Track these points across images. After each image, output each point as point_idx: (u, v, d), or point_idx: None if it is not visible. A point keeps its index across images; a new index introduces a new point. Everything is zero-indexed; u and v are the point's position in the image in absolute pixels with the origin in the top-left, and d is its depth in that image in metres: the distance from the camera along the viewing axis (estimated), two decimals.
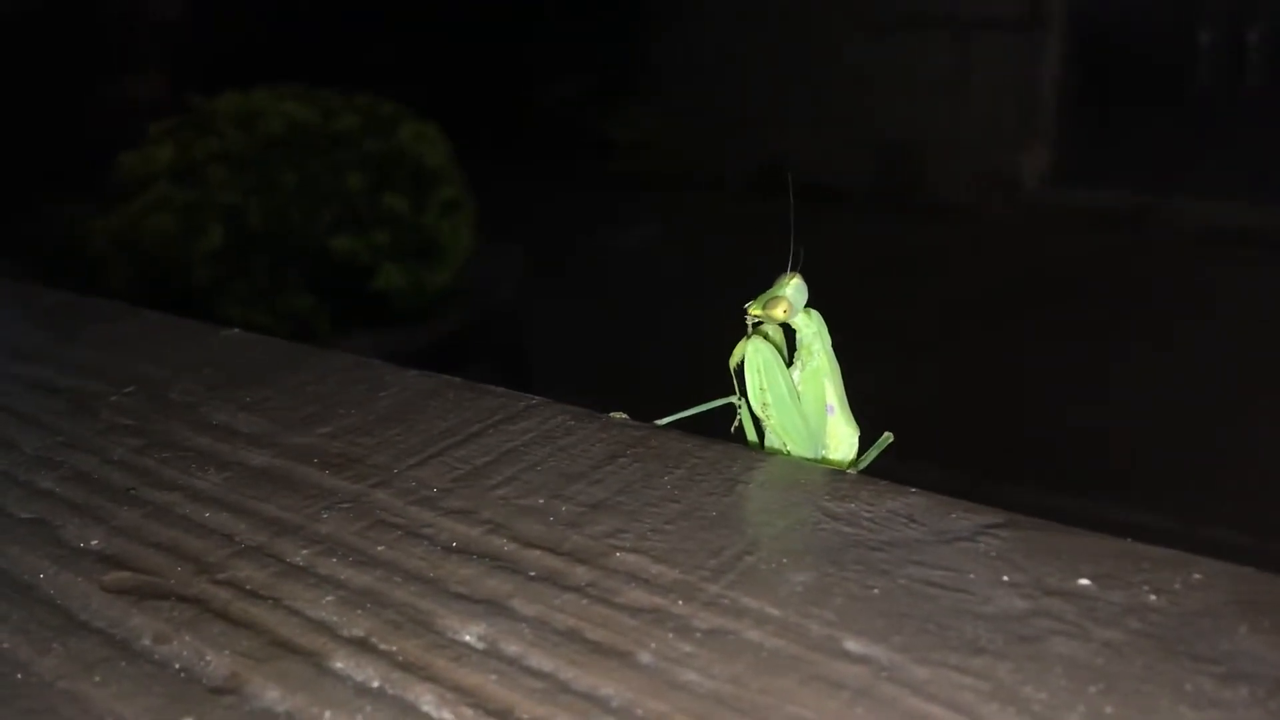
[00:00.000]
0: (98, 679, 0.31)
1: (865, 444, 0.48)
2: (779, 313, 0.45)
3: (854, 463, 0.48)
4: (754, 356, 0.45)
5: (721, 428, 0.47)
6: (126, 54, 4.47)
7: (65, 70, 3.90)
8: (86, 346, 0.57)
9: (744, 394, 0.46)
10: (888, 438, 0.49)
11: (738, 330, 0.46)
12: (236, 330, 0.57)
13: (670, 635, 0.31)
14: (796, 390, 0.46)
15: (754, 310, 0.45)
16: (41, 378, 0.53)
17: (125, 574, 0.36)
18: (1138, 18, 4.88)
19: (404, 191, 2.54)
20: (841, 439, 0.47)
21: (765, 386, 0.45)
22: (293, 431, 0.45)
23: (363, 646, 0.32)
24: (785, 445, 0.46)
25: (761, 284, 0.47)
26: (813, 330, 0.47)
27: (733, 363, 0.46)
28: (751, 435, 0.48)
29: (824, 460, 0.47)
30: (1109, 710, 0.27)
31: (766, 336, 0.46)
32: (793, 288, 0.45)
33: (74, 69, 3.95)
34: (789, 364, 0.47)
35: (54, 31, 4.04)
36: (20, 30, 3.96)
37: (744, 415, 0.48)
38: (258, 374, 0.51)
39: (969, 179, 4.32)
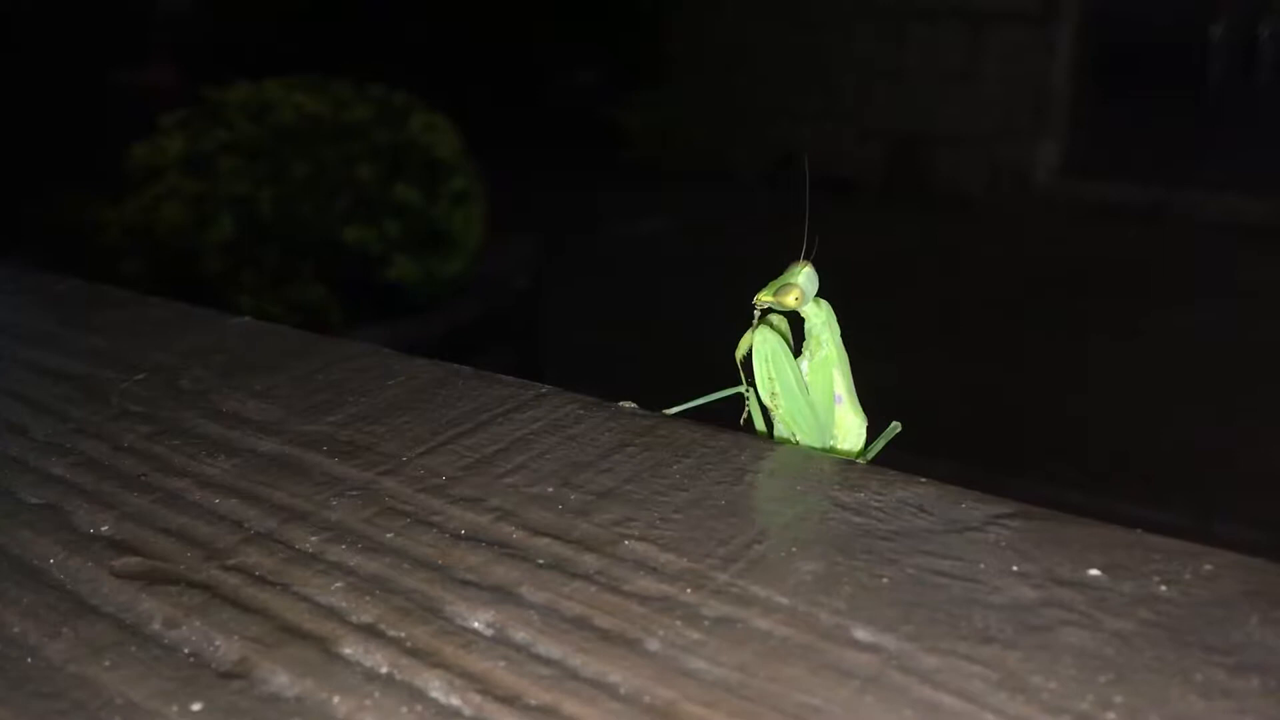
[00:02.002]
0: (107, 663, 0.31)
1: (873, 434, 0.48)
2: (790, 300, 0.45)
3: (862, 452, 0.48)
4: (761, 346, 0.45)
5: (730, 417, 0.47)
6: (137, 46, 4.47)
7: (75, 62, 3.90)
8: (97, 334, 0.57)
9: (752, 384, 0.46)
10: (895, 427, 0.49)
11: (747, 321, 0.46)
12: (246, 318, 0.57)
13: (679, 623, 0.31)
14: (804, 380, 0.46)
15: (764, 298, 0.45)
16: (53, 364, 0.53)
17: (135, 559, 0.36)
18: (1150, 11, 4.85)
19: (415, 182, 2.54)
20: (850, 429, 0.47)
21: (774, 376, 0.45)
22: (302, 419, 0.45)
23: (371, 633, 0.32)
24: (794, 435, 0.46)
25: (772, 274, 0.46)
26: (822, 320, 0.47)
27: (739, 354, 0.46)
28: (760, 425, 0.48)
29: (832, 450, 0.47)
30: (1119, 700, 0.27)
31: (773, 326, 0.46)
32: (804, 276, 0.45)
33: (84, 61, 3.95)
34: (796, 354, 0.47)
35: (64, 24, 4.05)
36: (30, 23, 3.96)
37: (752, 405, 0.48)
38: (267, 362, 0.51)
39: (981, 171, 4.30)
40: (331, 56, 3.06)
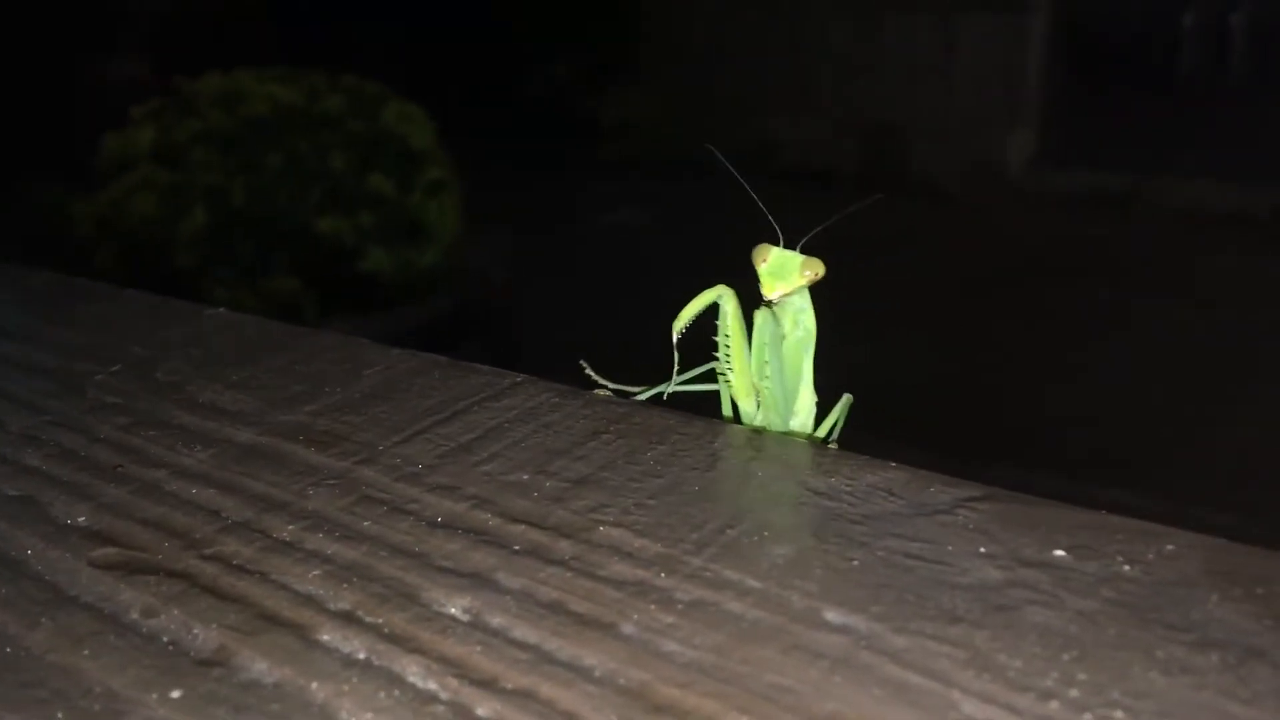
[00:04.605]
0: (87, 652, 0.32)
1: (822, 409, 0.49)
2: (817, 274, 0.45)
3: (828, 432, 0.49)
4: (761, 331, 0.45)
5: (703, 404, 0.47)
6: (107, 36, 4.44)
7: (46, 53, 3.87)
8: (73, 326, 0.57)
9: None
10: (848, 399, 0.49)
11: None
12: (222, 310, 0.57)
13: (653, 607, 0.32)
14: (781, 361, 0.47)
15: (777, 285, 0.45)
16: (27, 357, 0.53)
17: (113, 550, 0.36)
18: (1123, 1, 4.89)
19: (389, 172, 2.53)
20: (806, 405, 0.48)
21: (768, 359, 0.46)
22: (279, 409, 0.45)
23: (349, 619, 0.32)
24: (768, 416, 0.47)
25: (748, 263, 0.47)
26: (807, 301, 0.47)
27: (679, 325, 0.46)
28: (727, 410, 0.49)
29: (790, 432, 0.48)
30: (1082, 677, 0.28)
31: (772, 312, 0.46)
32: (804, 259, 0.46)
33: (54, 52, 3.92)
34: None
35: (33, 15, 4.01)
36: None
37: (723, 389, 0.48)
38: (243, 353, 0.51)
39: (955, 162, 4.32)
40: (304, 51, 3.03)
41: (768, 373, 0.46)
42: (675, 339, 0.46)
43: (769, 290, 0.45)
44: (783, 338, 0.47)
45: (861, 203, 0.48)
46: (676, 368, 0.47)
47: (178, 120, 2.52)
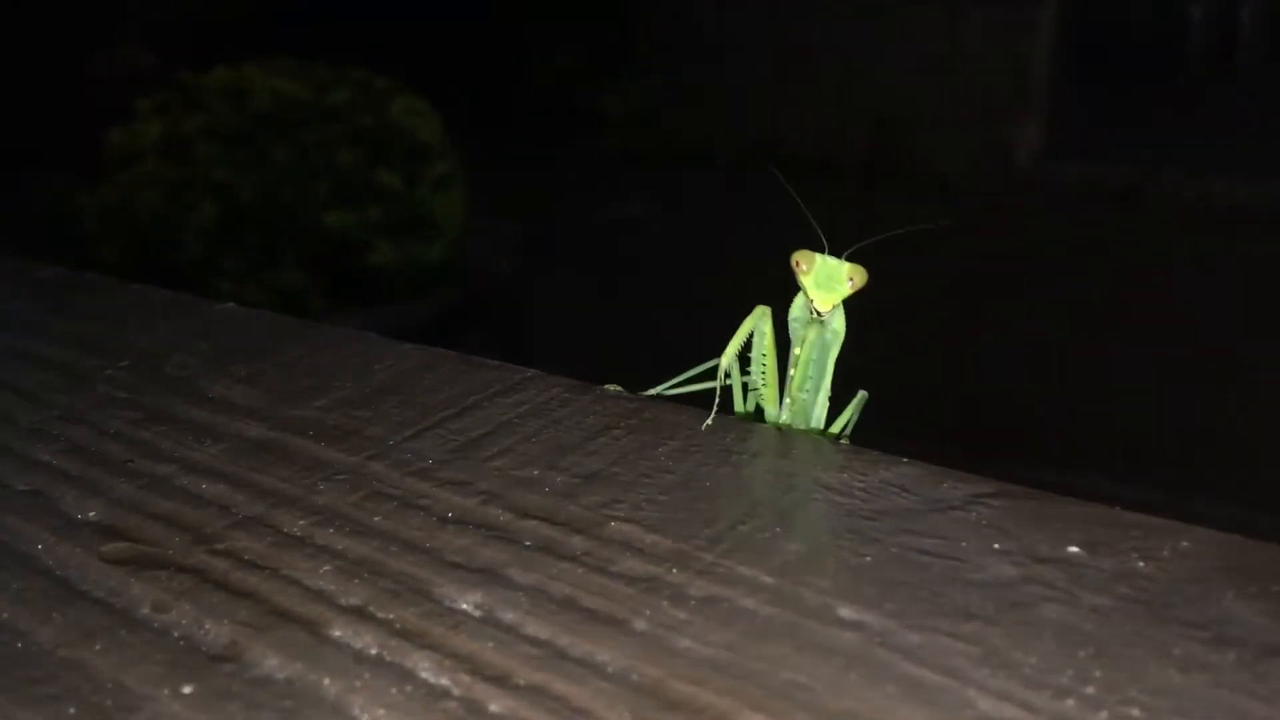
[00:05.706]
0: (98, 647, 0.31)
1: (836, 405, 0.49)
2: (861, 283, 0.45)
3: (845, 423, 0.49)
4: (811, 347, 0.45)
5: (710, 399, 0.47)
6: (111, 30, 4.44)
7: (50, 47, 3.87)
8: (81, 320, 0.57)
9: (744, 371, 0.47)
10: (863, 395, 0.49)
11: (730, 304, 0.46)
12: (230, 304, 0.57)
13: (665, 603, 0.32)
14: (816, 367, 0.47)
15: (829, 297, 0.45)
16: (36, 351, 0.53)
17: (124, 544, 0.36)
18: None
19: (396, 167, 2.53)
20: (821, 402, 0.48)
21: (812, 375, 0.45)
22: (289, 404, 0.45)
23: (361, 615, 0.32)
24: (793, 419, 0.47)
25: (753, 256, 0.47)
26: (839, 305, 0.47)
27: (731, 354, 0.46)
28: (740, 406, 0.48)
29: (809, 429, 0.48)
30: (1098, 674, 0.28)
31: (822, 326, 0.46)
32: (847, 264, 0.46)
33: (58, 46, 3.92)
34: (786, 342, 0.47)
35: (40, 8, 4.01)
36: (1, 6, 3.92)
37: (736, 385, 0.48)
38: (253, 347, 0.51)
39: (963, 153, 4.31)
40: (306, 47, 3.01)
41: (808, 386, 0.45)
42: (724, 375, 0.46)
43: (826, 304, 0.45)
44: (817, 338, 0.47)
45: (926, 225, 0.48)
46: (717, 399, 0.45)
47: (185, 114, 2.52)
